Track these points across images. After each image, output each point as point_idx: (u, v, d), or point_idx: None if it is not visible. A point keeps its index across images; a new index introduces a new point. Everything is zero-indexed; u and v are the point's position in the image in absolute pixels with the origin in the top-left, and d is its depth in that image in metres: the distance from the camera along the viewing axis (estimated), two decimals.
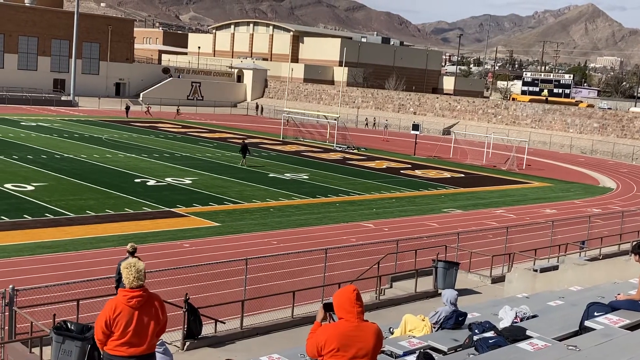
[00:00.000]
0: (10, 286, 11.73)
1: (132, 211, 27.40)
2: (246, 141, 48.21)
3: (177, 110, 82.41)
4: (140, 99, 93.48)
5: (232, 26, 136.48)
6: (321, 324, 5.74)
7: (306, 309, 15.26)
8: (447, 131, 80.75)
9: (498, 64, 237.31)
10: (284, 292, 15.22)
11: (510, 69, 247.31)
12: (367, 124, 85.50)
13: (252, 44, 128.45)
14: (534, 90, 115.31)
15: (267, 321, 14.45)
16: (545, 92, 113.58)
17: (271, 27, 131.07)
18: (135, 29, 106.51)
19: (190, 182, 35.37)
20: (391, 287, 18.42)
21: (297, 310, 14.89)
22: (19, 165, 36.68)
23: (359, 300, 5.58)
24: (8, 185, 30.51)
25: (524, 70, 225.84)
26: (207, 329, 13.33)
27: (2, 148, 42.51)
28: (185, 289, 14.43)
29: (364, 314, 5.63)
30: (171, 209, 28.33)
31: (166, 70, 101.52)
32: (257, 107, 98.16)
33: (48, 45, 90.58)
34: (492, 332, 8.47)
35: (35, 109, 76.01)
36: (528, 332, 8.06)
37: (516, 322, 9.13)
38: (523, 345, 7.32)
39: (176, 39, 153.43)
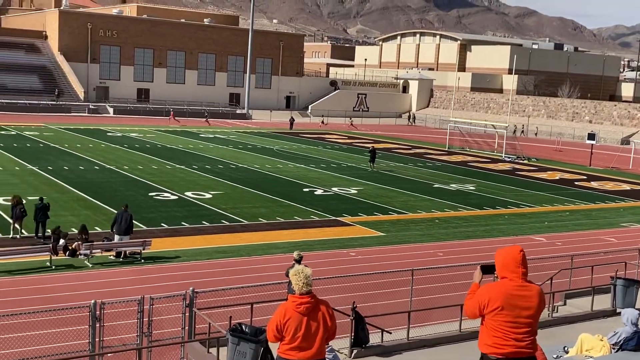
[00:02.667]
0: (191, 288, 12.44)
1: (300, 219, 28.20)
2: (375, 146, 49.41)
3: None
4: (309, 111, 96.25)
5: (399, 37, 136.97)
6: (479, 285, 5.73)
7: (474, 324, 14.85)
8: (626, 141, 75.69)
9: None
10: (452, 305, 14.91)
11: None
12: (515, 132, 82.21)
13: (418, 54, 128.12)
14: None
15: (434, 334, 14.22)
16: None
17: (438, 37, 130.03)
18: (305, 44, 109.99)
19: (355, 191, 35.82)
20: (565, 304, 17.47)
21: (465, 324, 14.54)
22: (198, 174, 39.02)
23: (524, 262, 5.57)
24: (188, 193, 32.54)
25: None
26: (374, 338, 13.36)
27: (183, 158, 45.47)
28: (351, 297, 14.58)
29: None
30: (337, 218, 28.82)
31: (333, 83, 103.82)
32: (409, 116, 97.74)
33: (225, 61, 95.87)
34: None
35: (213, 122, 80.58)
36: None
37: None
38: None
39: (343, 52, 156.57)
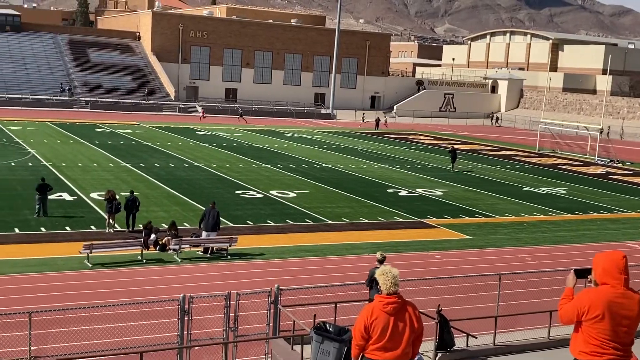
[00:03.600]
0: (276, 285, 12.61)
1: (384, 220, 28.10)
2: (455, 147, 48.83)
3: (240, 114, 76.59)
4: (394, 111, 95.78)
5: (488, 36, 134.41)
6: (573, 290, 5.57)
7: (564, 330, 14.41)
8: None
9: None
10: (540, 312, 14.53)
11: None
12: (608, 134, 78.82)
13: (507, 53, 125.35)
14: None
15: (521, 340, 13.89)
16: None
17: (529, 36, 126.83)
18: (391, 43, 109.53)
19: (441, 193, 35.40)
20: None
21: (553, 331, 14.13)
22: (283, 173, 39.50)
23: (627, 268, 5.41)
24: (273, 192, 32.99)
25: None
26: (458, 343, 13.17)
27: (269, 157, 46.13)
28: (436, 300, 14.42)
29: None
30: (422, 220, 28.56)
31: (420, 83, 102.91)
32: (491, 117, 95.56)
33: (310, 61, 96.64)
34: None
35: (298, 122, 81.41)
36: None
37: None
38: None
39: (430, 51, 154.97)
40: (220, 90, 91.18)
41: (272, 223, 26.38)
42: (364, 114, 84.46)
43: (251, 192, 32.63)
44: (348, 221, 27.53)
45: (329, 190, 34.63)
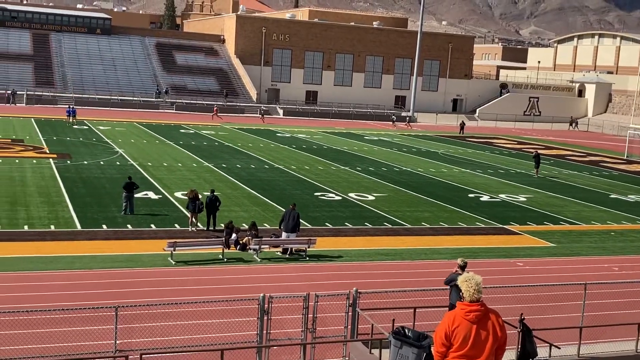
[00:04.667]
0: (354, 288, 12.62)
1: (465, 226, 27.68)
2: (539, 152, 47.55)
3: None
4: (477, 114, 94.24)
5: (575, 39, 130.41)
6: None
7: None
8: None
9: None
10: (628, 323, 14.00)
11: None
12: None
13: (596, 56, 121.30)
14: None
15: (607, 352, 13.41)
16: None
17: (618, 39, 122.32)
18: (474, 46, 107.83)
19: (524, 199, 34.60)
20: None
21: None
22: (362, 176, 39.48)
23: None
24: (352, 194, 33.01)
25: None
26: (541, 352, 12.83)
27: (348, 160, 46.20)
28: (519, 309, 14.10)
29: None
30: (504, 226, 27.99)
31: (504, 86, 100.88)
32: (571, 121, 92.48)
33: (392, 63, 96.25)
34: None
35: (378, 124, 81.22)
36: None
37: None
38: None
39: (515, 54, 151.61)
40: (301, 93, 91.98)
41: (350, 226, 26.41)
42: (393, 116, 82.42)
43: (330, 194, 32.75)
44: (427, 226, 27.27)
45: (408, 193, 34.40)
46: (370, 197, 32.56)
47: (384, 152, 52.11)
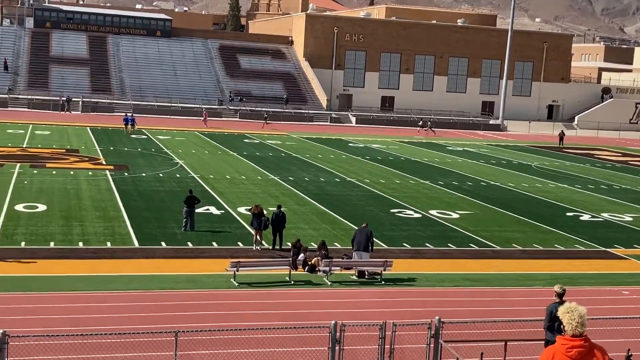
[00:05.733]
0: (436, 317, 12.47)
1: (562, 248, 27.05)
2: None
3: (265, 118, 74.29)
4: (575, 122, 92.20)
5: None
6: None
7: None
8: None
9: None
10: None
11: None
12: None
13: None
14: None
15: None
16: None
17: None
18: (573, 45, 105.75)
19: (630, 219, 33.59)
20: None
21: None
22: (444, 191, 39.10)
23: None
24: (433, 212, 32.71)
25: None
26: None
27: (428, 173, 45.87)
28: (626, 344, 13.64)
29: None
30: (608, 249, 27.22)
31: (606, 91, 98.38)
32: None
33: (478, 66, 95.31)
34: None
35: (462, 133, 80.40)
36: None
37: None
38: None
39: (619, 54, 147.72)
40: (376, 98, 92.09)
41: (431, 247, 26.17)
42: (420, 121, 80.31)
43: (408, 211, 32.57)
44: (519, 248, 26.78)
45: (497, 211, 33.89)
46: (454, 215, 32.20)
47: (470, 165, 51.52)
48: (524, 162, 54.88)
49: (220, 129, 67.10)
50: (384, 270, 21.44)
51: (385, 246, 25.53)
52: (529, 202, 37.16)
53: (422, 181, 42.29)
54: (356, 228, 23.70)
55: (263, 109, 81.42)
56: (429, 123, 77.86)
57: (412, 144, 64.50)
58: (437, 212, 32.66)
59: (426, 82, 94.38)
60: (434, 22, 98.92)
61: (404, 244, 26.26)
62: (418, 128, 77.49)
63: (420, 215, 31.81)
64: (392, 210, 32.62)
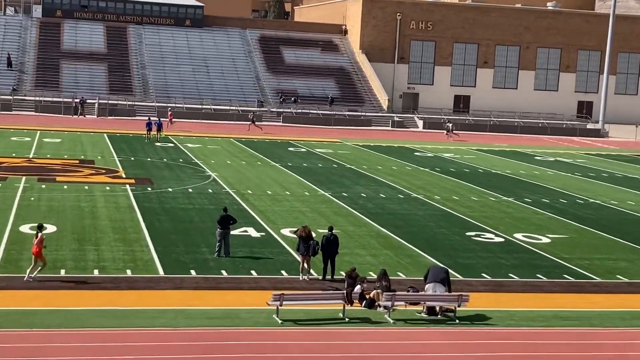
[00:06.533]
0: None
1: None
2: None
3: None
4: None
5: None
6: None
7: None
8: None
9: None
10: None
11: None
12: None
13: None
14: None
15: None
16: None
17: None
18: None
19: None
20: None
21: None
22: (531, 210, 38.69)
23: None
24: (518, 235, 32.36)
25: None
26: None
27: (512, 187, 45.47)
28: None
29: None
30: None
31: None
32: None
33: (573, 58, 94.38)
34: None
35: (554, 140, 79.52)
36: None
37: None
38: None
39: None
40: (448, 98, 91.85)
41: (516, 278, 25.91)
42: (448, 123, 78.22)
43: (488, 235, 32.34)
44: (626, 280, 26.42)
45: (597, 235, 33.47)
46: (544, 240, 31.86)
47: (563, 178, 51.01)
48: (629, 175, 54.15)
49: (262, 136, 67.53)
50: (459, 306, 21.23)
51: (460, 277, 25.33)
52: (637, 223, 36.56)
53: (504, 198, 41.95)
54: (424, 256, 23.52)
55: (312, 111, 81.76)
56: (450, 125, 76.35)
57: (492, 153, 64.01)
58: (523, 236, 32.36)
59: (509, 78, 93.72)
60: (518, 5, 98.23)
61: (483, 275, 26.03)
62: (445, 131, 75.86)
63: (502, 240, 31.55)
64: (468, 234, 32.39)
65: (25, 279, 22.38)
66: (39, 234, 22.65)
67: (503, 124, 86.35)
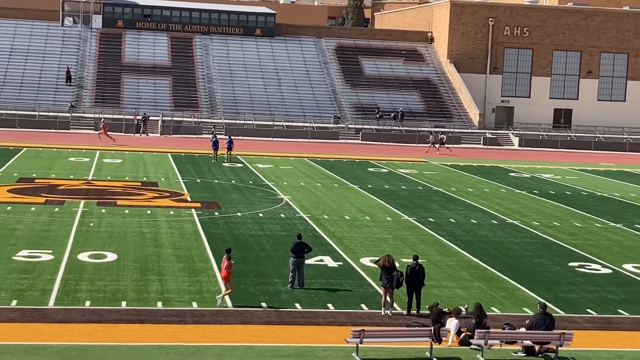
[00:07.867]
0: None
1: None
2: None
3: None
4: None
5: None
6: None
7: None
8: None
9: None
10: None
11: None
12: None
13: None
14: None
15: None
16: None
17: None
18: None
19: None
20: None
21: None
22: (639, 236, 38.11)
23: None
24: (628, 266, 31.82)
25: None
26: None
27: (621, 212, 44.96)
28: None
29: None
30: None
31: None
32: None
33: None
34: None
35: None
36: None
37: None
38: None
39: None
40: (547, 112, 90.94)
41: (627, 314, 25.43)
42: (442, 134, 76.52)
43: (594, 265, 31.87)
44: None
45: None
46: None
47: None
48: None
49: (337, 155, 67.69)
50: (561, 345, 20.92)
51: (562, 312, 24.96)
52: None
53: (612, 224, 41.33)
54: (526, 298, 23.18)
55: (388, 127, 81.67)
56: (441, 136, 75.03)
57: (597, 174, 63.05)
58: (633, 267, 31.81)
59: (616, 90, 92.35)
60: (626, 8, 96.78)
61: (589, 310, 25.61)
62: (428, 146, 74.44)
63: (610, 271, 31.08)
64: (571, 264, 31.95)
65: (218, 304, 24.18)
66: (228, 259, 24.24)
67: (609, 141, 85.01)
